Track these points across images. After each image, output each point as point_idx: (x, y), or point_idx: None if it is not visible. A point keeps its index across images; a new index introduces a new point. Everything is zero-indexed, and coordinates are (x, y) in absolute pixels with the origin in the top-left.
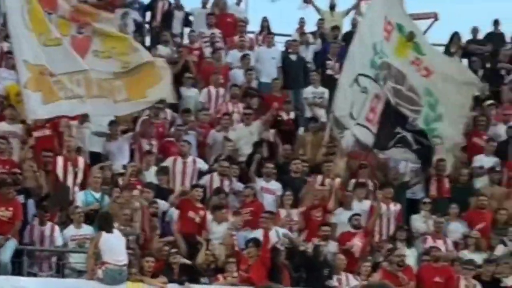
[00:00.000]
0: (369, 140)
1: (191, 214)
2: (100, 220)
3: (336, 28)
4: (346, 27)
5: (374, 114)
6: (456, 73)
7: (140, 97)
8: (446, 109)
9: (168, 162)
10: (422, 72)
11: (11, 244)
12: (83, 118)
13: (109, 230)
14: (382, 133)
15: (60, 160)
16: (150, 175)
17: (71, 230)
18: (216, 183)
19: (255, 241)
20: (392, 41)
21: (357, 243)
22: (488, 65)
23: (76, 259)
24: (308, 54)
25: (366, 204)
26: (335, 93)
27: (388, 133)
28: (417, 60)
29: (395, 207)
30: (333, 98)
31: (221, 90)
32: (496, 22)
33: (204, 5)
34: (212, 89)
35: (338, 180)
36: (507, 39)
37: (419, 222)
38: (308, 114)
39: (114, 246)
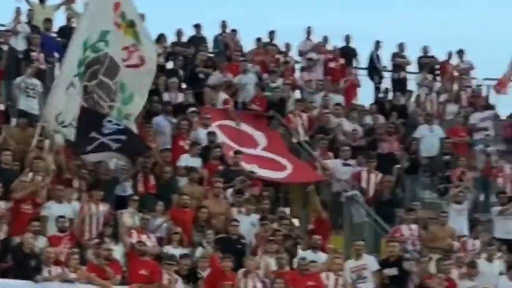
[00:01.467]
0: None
1: None
2: None
3: (48, 20)
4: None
5: None
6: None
7: None
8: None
9: None
10: (134, 60)
11: None
12: None
13: None
14: (80, 138)
15: None
16: None
17: None
18: None
19: None
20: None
21: (62, 250)
22: (189, 68)
23: None
24: (19, 44)
25: (76, 204)
26: (50, 95)
27: (85, 137)
28: (133, 46)
29: (104, 208)
30: (47, 97)
31: None
32: (197, 26)
33: None
34: None
35: (48, 175)
36: (208, 43)
37: (126, 217)
38: (19, 105)
39: None
